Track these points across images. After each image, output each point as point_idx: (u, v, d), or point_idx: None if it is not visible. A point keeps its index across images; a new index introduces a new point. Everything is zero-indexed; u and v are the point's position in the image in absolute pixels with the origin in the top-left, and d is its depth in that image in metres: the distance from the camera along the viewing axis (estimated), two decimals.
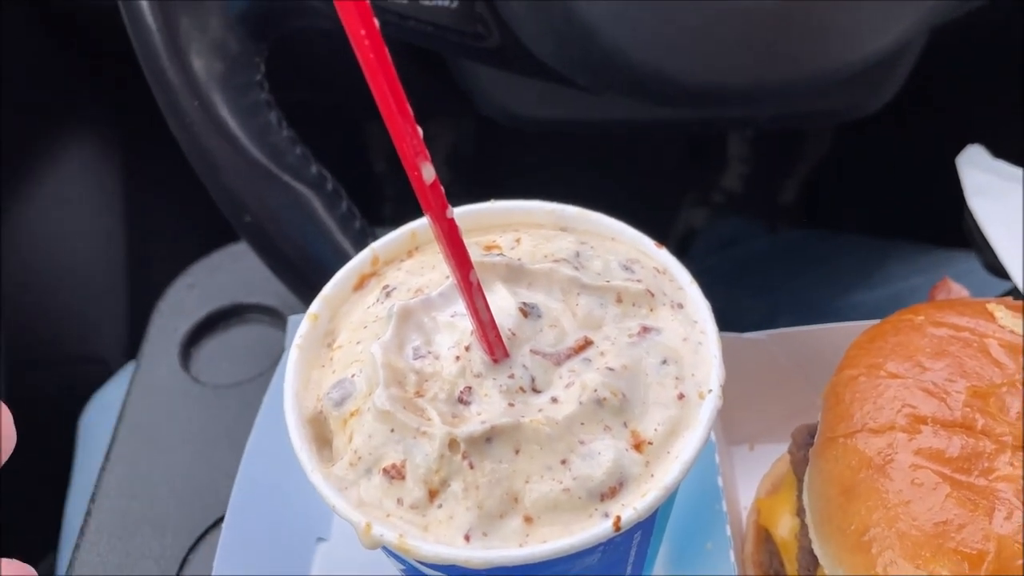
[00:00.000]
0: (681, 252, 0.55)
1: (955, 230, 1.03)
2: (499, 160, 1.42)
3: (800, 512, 0.55)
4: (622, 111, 0.91)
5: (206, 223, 0.84)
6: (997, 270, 0.79)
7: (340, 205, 0.73)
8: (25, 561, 0.35)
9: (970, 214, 0.80)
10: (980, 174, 0.76)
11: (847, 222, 1.36)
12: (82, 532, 0.68)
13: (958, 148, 0.85)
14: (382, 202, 1.41)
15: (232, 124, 0.69)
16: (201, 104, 0.68)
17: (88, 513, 0.69)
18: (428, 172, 0.37)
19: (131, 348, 0.87)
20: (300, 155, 0.72)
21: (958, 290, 0.62)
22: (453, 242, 0.40)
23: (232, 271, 0.83)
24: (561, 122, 0.92)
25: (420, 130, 0.36)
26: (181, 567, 0.66)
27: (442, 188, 0.38)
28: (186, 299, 0.82)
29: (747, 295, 1.07)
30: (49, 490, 0.88)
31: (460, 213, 0.53)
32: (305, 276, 0.71)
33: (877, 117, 0.95)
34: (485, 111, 0.96)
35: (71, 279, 1.17)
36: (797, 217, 1.41)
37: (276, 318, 0.80)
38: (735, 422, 0.68)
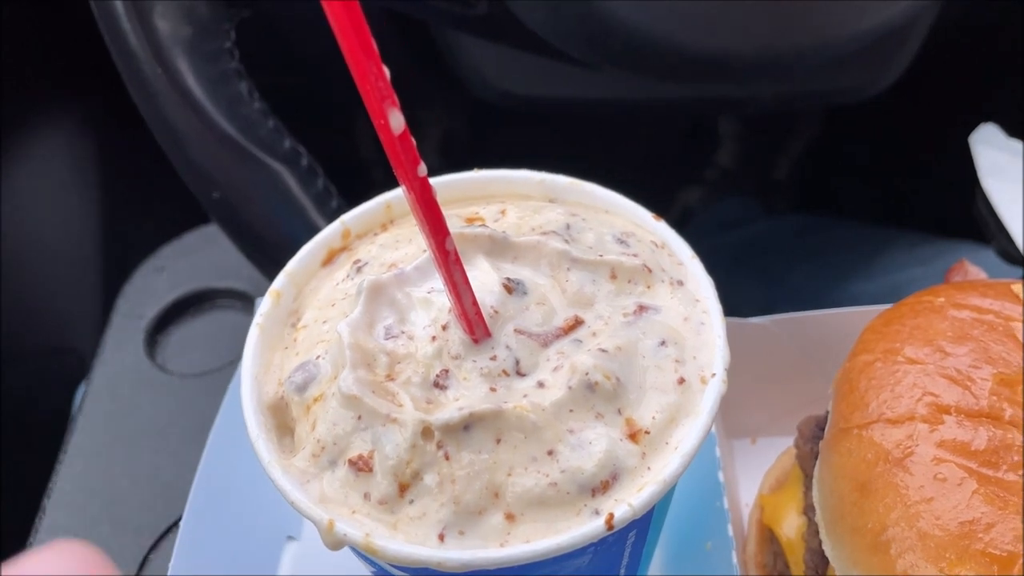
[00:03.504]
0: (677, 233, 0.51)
1: (938, 214, 0.99)
2: (491, 147, 1.37)
3: (808, 510, 0.51)
4: (617, 90, 0.86)
5: (185, 207, 0.80)
6: (1012, 257, 0.75)
7: (316, 183, 0.68)
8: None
9: (982, 197, 0.76)
10: (994, 153, 0.72)
11: (843, 204, 1.33)
12: (35, 530, 0.64)
13: (953, 134, 0.81)
14: (369, 188, 1.36)
15: (199, 93, 0.64)
16: (165, 71, 0.63)
17: (42, 510, 0.65)
18: (396, 120, 0.32)
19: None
20: (272, 128, 0.67)
21: (975, 272, 0.58)
22: (426, 203, 0.35)
23: (203, 254, 0.78)
24: (555, 101, 0.88)
25: (387, 71, 0.31)
26: (141, 567, 0.61)
27: (413, 141, 0.33)
28: (153, 283, 0.77)
29: (744, 282, 1.04)
30: (29, 489, 0.84)
31: (439, 183, 0.48)
32: (278, 258, 0.66)
33: (870, 99, 0.92)
34: (477, 91, 0.92)
35: (44, 268, 1.13)
36: (792, 196, 1.38)
37: (248, 303, 0.76)
38: (736, 414, 0.64)
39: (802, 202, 1.41)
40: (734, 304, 0.56)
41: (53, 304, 1.12)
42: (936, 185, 1.14)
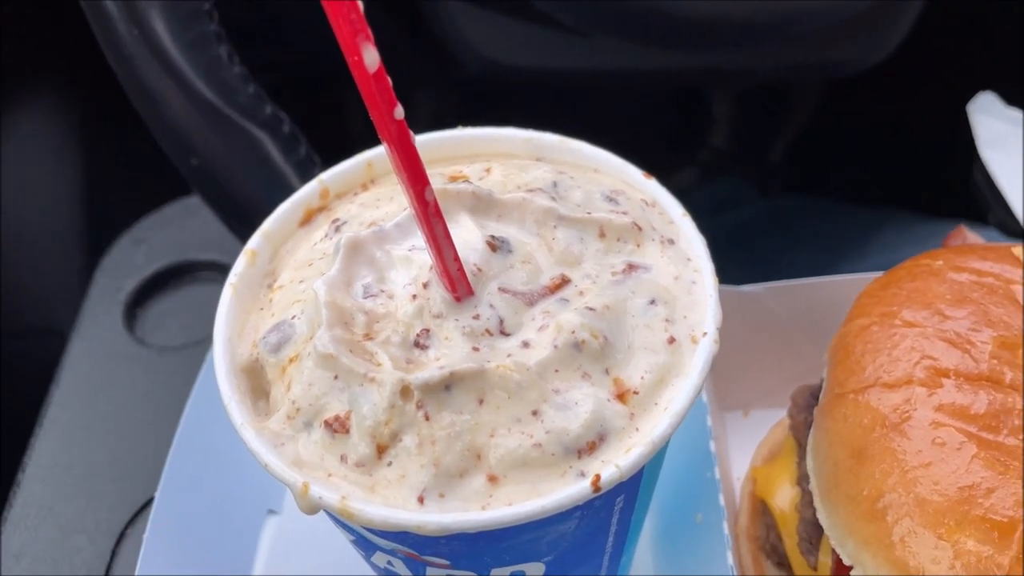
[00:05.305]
0: None
1: (932, 195, 0.97)
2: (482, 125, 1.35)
3: (802, 480, 0.50)
4: (608, 60, 0.85)
5: (166, 180, 0.78)
6: (1010, 229, 0.74)
7: (298, 150, 0.66)
8: None
9: (980, 169, 0.75)
10: (994, 123, 0.70)
11: (837, 186, 1.31)
12: (10, 503, 0.62)
13: (946, 116, 0.80)
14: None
15: (176, 56, 0.62)
16: (141, 32, 0.61)
17: (17, 484, 0.63)
18: (371, 57, 0.30)
19: None
20: (253, 94, 0.65)
21: (974, 239, 0.57)
22: (403, 149, 0.34)
23: (183, 226, 0.77)
24: (543, 71, 0.86)
25: (361, 5, 0.30)
26: (117, 543, 0.60)
27: (389, 80, 0.32)
28: (133, 256, 0.75)
29: (737, 264, 1.03)
30: (4, 463, 0.82)
31: (421, 141, 0.47)
32: (258, 226, 0.65)
33: (866, 78, 0.90)
34: (463, 61, 0.90)
35: (25, 249, 1.11)
36: (787, 179, 1.37)
37: None
38: (728, 386, 0.63)
39: (796, 184, 1.40)
40: (727, 284, 0.54)
41: (34, 285, 1.10)
42: (930, 166, 1.12)
